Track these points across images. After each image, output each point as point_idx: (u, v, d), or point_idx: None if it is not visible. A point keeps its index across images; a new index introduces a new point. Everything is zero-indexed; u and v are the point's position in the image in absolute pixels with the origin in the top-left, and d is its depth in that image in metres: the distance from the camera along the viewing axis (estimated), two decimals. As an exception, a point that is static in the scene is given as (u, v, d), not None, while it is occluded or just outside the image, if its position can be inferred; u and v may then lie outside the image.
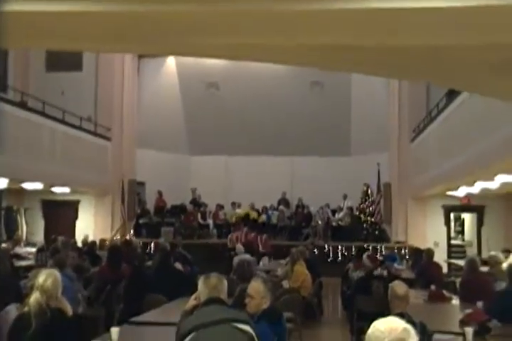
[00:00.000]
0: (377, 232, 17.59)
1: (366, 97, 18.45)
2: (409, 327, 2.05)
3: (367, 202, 18.20)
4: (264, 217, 18.67)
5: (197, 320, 3.39)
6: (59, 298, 3.98)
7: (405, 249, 15.31)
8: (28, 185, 13.71)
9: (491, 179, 9.86)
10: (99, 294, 7.71)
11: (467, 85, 4.59)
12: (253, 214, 18.56)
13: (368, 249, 11.47)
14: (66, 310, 4.00)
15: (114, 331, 4.43)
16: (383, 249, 15.22)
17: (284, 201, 19.63)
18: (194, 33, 3.71)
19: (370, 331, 2.06)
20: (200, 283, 3.63)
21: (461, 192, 12.36)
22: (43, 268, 6.90)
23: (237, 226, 17.45)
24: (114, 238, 15.88)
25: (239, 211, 18.84)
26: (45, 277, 3.94)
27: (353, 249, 15.48)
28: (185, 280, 8.44)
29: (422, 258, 9.75)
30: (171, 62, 19.27)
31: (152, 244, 16.11)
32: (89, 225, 16.84)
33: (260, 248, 15.38)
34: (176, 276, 8.15)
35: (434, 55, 3.52)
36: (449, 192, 13.29)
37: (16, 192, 15.76)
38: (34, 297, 3.86)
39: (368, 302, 7.05)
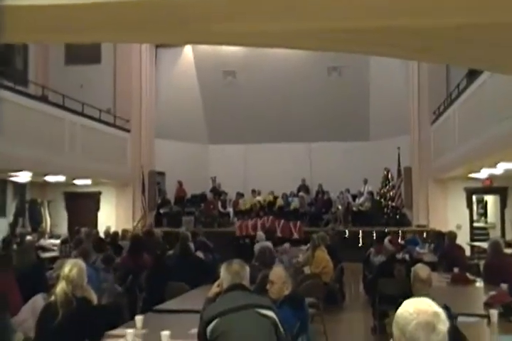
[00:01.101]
0: (398, 216, 17.52)
1: (384, 81, 18.30)
2: (440, 311, 1.99)
3: (387, 187, 18.12)
4: (281, 202, 18.66)
5: (220, 307, 3.43)
6: (84, 287, 4.04)
7: (427, 232, 15.23)
8: (50, 178, 13.90)
9: (514, 160, 9.75)
10: (121, 283, 7.80)
11: (491, 65, 4.52)
12: (279, 202, 18.55)
13: (389, 234, 11.40)
14: (91, 299, 4.07)
15: (139, 319, 4.51)
16: (405, 233, 15.17)
17: (303, 187, 19.61)
18: (212, 21, 3.71)
19: (399, 311, 2.01)
20: (223, 269, 3.66)
21: (484, 173, 12.25)
22: (67, 259, 7.03)
23: (249, 214, 17.60)
24: (136, 228, 16.02)
25: (259, 198, 18.87)
26: (71, 267, 4.01)
27: (374, 234, 15.44)
28: (207, 268, 8.52)
29: (444, 241, 9.71)
30: (188, 51, 19.27)
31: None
32: (111, 216, 17.02)
33: (295, 235, 15.62)
34: (197, 264, 8.20)
35: (456, 35, 3.47)
36: (471, 175, 13.17)
37: (39, 185, 15.99)
38: (60, 287, 3.92)
39: (390, 285, 7.05)
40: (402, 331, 1.97)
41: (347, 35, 3.66)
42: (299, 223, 16.44)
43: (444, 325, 1.98)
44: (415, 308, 1.98)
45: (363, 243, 15.99)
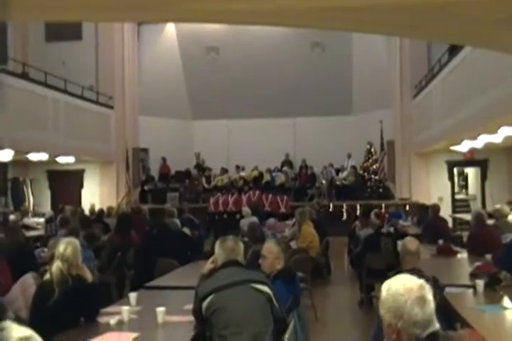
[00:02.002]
0: (381, 190, 17.70)
1: (367, 56, 18.28)
2: (422, 281, 2.05)
3: (370, 161, 18.25)
4: (268, 177, 18.69)
5: (215, 283, 3.47)
6: (79, 266, 4.07)
7: (410, 205, 15.43)
8: (33, 156, 13.75)
9: (495, 132, 9.86)
10: (110, 261, 7.83)
11: (473, 40, 4.56)
12: (266, 177, 18.56)
13: (374, 207, 11.53)
14: (86, 277, 4.09)
15: (133, 296, 4.55)
16: (388, 207, 15.35)
17: (287, 162, 19.67)
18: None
19: (386, 294, 2.03)
20: (217, 246, 3.69)
21: (465, 146, 12.38)
22: (57, 238, 7.03)
23: (226, 191, 17.66)
24: (121, 205, 16.00)
25: (243, 174, 18.89)
26: (65, 246, 4.02)
27: (358, 208, 15.61)
28: (194, 244, 8.57)
29: (427, 214, 9.84)
30: (170, 28, 19.04)
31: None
32: (95, 194, 16.96)
33: (282, 209, 15.77)
34: (183, 240, 8.21)
35: (439, 12, 3.48)
36: (453, 147, 13.31)
37: (21, 163, 15.84)
38: (56, 265, 3.94)
39: (377, 259, 7.17)
40: (397, 314, 2.00)
41: (334, 14, 3.65)
42: (285, 197, 16.56)
43: (430, 293, 2.04)
44: (404, 288, 2.01)
45: (347, 217, 16.15)
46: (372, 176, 17.92)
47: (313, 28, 5.17)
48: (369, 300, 7.43)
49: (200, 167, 19.28)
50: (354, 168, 18.25)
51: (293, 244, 8.88)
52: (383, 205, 15.32)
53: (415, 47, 16.14)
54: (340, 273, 10.71)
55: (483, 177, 15.89)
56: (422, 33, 4.37)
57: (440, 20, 3.51)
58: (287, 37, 17.99)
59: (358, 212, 15.02)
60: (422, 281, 2.06)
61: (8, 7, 3.38)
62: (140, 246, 8.00)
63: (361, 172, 18.29)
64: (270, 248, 4.37)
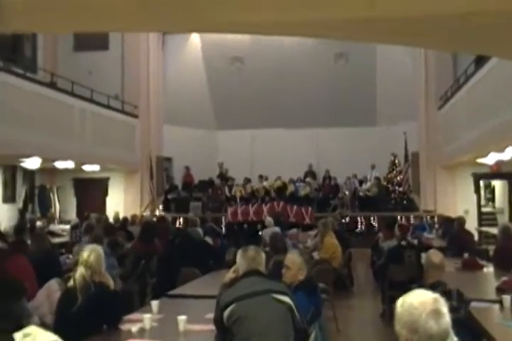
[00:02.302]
0: (405, 202, 17.55)
1: (392, 67, 18.22)
2: (437, 296, 2.03)
3: (394, 172, 18.13)
4: (293, 188, 18.66)
5: (237, 292, 3.47)
6: (102, 273, 4.10)
7: (434, 218, 15.26)
8: (59, 164, 13.95)
9: (522, 144, 9.74)
10: (133, 269, 7.87)
11: (499, 51, 4.51)
12: (291, 188, 18.54)
13: (398, 219, 11.44)
14: (109, 284, 4.13)
15: (155, 304, 4.57)
16: (412, 219, 15.20)
17: (310, 173, 19.64)
18: (220, 10, 3.71)
19: (401, 309, 2.01)
20: (239, 255, 3.69)
21: (491, 159, 12.22)
22: (81, 244, 7.11)
23: (246, 201, 17.66)
24: (144, 214, 16.12)
25: (265, 184, 18.90)
26: (89, 253, 4.06)
27: (382, 219, 15.49)
28: (216, 254, 8.58)
29: (452, 226, 9.73)
30: (195, 37, 19.21)
31: (181, 219, 16.33)
32: (119, 202, 17.10)
33: (307, 220, 15.71)
34: (206, 250, 8.23)
35: (463, 22, 3.46)
36: (479, 160, 13.15)
37: (48, 171, 16.07)
38: (79, 272, 3.98)
39: (400, 271, 7.10)
40: (411, 328, 1.98)
41: (352, 25, 3.66)
42: (310, 209, 16.48)
43: (445, 307, 2.02)
44: (418, 301, 2.00)
45: (370, 228, 16.03)
46: (397, 188, 17.79)
47: (340, 40, 5.18)
48: (391, 312, 7.32)
49: (224, 176, 19.35)
50: (378, 179, 18.14)
51: (315, 255, 8.85)
52: (407, 217, 15.18)
53: (440, 58, 16.03)
54: (363, 285, 10.62)
55: (511, 189, 15.65)
56: (441, 44, 4.35)
57: (461, 30, 3.49)
58: (311, 47, 18.03)
59: (382, 224, 14.89)
60: (436, 295, 2.04)
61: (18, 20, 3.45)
62: (163, 254, 8.04)
63: (385, 183, 18.17)
64: (294, 259, 4.37)
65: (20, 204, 15.20)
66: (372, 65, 18.69)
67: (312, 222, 15.56)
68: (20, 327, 2.23)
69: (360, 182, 18.60)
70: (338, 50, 18.39)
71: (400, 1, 3.20)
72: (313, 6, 3.41)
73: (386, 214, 15.90)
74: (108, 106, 15.57)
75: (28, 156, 12.50)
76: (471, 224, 13.36)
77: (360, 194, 18.03)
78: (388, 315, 7.44)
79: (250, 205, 16.89)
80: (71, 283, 4.04)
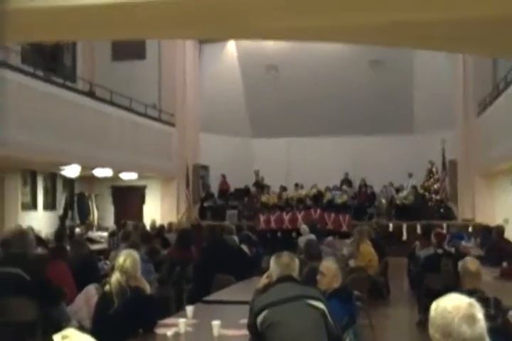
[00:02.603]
0: (442, 210, 17.30)
1: (429, 73, 18.04)
2: (472, 301, 2.00)
3: (431, 180, 17.90)
4: (330, 196, 18.61)
5: (270, 298, 3.49)
6: (138, 278, 4.16)
7: (473, 226, 15.00)
8: (98, 172, 14.22)
9: None
10: (169, 275, 7.97)
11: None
12: (328, 195, 18.51)
13: (435, 227, 11.27)
14: (145, 289, 4.19)
15: (189, 309, 4.62)
16: (450, 227, 14.97)
17: (346, 181, 19.54)
18: (253, 17, 3.76)
19: (434, 313, 2.00)
20: (272, 261, 3.72)
21: (532, 167, 12.00)
22: (118, 250, 7.22)
23: (280, 208, 17.65)
24: (181, 221, 16.25)
25: (302, 192, 18.89)
26: (125, 257, 4.13)
27: (419, 228, 15.29)
28: (251, 261, 8.61)
29: (491, 235, 9.57)
30: (231, 46, 19.36)
31: (217, 227, 16.40)
32: (156, 209, 17.28)
33: (344, 228, 15.65)
34: (241, 257, 8.27)
35: (500, 26, 3.44)
36: (519, 168, 12.92)
37: (87, 179, 16.37)
38: (115, 276, 4.05)
39: (437, 280, 7.01)
40: (445, 332, 1.96)
41: (390, 30, 3.66)
42: (347, 216, 16.41)
43: (480, 312, 1.98)
44: (451, 305, 1.97)
45: (407, 237, 15.85)
46: (434, 196, 17.56)
47: (376, 45, 5.18)
48: (427, 321, 7.25)
49: (259, 184, 19.39)
50: (415, 187, 17.93)
51: (351, 263, 8.80)
52: (444, 226, 14.96)
53: (479, 64, 15.75)
54: (399, 293, 10.50)
55: (552, 198, 15.29)
56: (480, 49, 4.32)
57: (500, 35, 3.47)
58: (347, 54, 17.98)
59: (418, 232, 14.71)
60: (471, 300, 2.02)
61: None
62: (198, 261, 8.11)
63: (422, 191, 17.95)
64: (329, 265, 4.37)
65: (60, 211, 15.50)
66: (409, 71, 18.54)
67: (349, 229, 15.51)
68: (59, 330, 2.29)
69: (397, 191, 18.42)
70: (375, 57, 18.28)
71: (437, 5, 3.20)
72: (349, 10, 3.43)
73: (423, 222, 15.69)
74: (145, 115, 15.80)
75: (67, 164, 12.78)
76: (511, 233, 13.10)
77: (397, 202, 17.85)
78: (425, 323, 7.32)
79: (284, 213, 16.88)
80: (107, 287, 4.12)
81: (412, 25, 3.56)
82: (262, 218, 16.61)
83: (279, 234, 16.30)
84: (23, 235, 5.46)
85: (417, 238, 11.91)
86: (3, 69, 9.95)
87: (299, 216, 16.29)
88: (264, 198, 18.54)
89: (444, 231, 13.49)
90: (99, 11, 3.59)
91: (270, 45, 18.03)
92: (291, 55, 18.39)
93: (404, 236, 15.99)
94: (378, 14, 3.48)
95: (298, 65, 18.67)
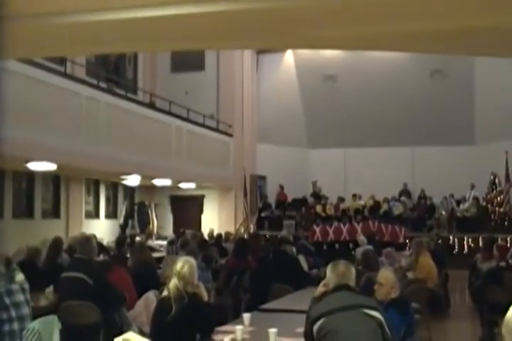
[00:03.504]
0: (506, 223, 16.80)
1: (491, 83, 17.60)
2: None
3: (494, 192, 17.43)
4: (386, 207, 18.41)
5: (326, 306, 3.50)
6: (195, 284, 4.23)
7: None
8: (158, 182, 14.51)
9: None
10: (227, 284, 8.05)
11: None
12: (384, 207, 18.33)
13: (497, 240, 10.98)
14: (203, 295, 4.26)
15: (246, 317, 4.67)
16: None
17: (405, 192, 19.26)
18: (321, 26, 3.81)
19: (510, 313, 1.96)
20: (329, 270, 3.72)
21: None
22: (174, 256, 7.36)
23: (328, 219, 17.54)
24: (238, 231, 16.37)
25: (360, 202, 18.74)
26: (182, 264, 4.21)
27: (480, 240, 14.92)
28: (308, 271, 8.61)
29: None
30: (288, 56, 19.46)
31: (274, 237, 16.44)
32: (214, 219, 17.47)
33: (401, 239, 15.52)
34: (297, 267, 8.27)
35: None
36: None
37: (147, 188, 16.74)
38: (173, 282, 4.13)
39: (500, 293, 6.83)
40: None
41: (453, 37, 3.63)
42: (403, 228, 16.23)
43: None
44: None
45: (468, 249, 15.49)
46: (497, 208, 17.08)
47: (435, 53, 5.15)
48: (491, 337, 7.06)
49: (317, 195, 19.34)
50: (477, 199, 17.50)
51: (409, 275, 8.67)
52: (508, 239, 14.52)
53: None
54: (460, 307, 10.26)
55: None
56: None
57: None
58: (406, 64, 17.79)
59: (480, 245, 14.35)
60: None
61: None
62: (255, 270, 8.17)
63: (484, 203, 17.50)
64: (387, 276, 4.34)
65: (121, 220, 15.89)
66: (471, 80, 18.16)
67: (405, 241, 15.35)
68: (120, 333, 2.38)
69: (458, 202, 18.02)
70: (435, 66, 18.01)
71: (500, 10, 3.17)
72: (408, 18, 3.44)
73: (485, 235, 15.29)
74: (203, 125, 16.04)
75: (128, 174, 13.11)
76: None
77: (458, 214, 17.46)
78: (488, 339, 7.15)
79: (342, 224, 16.77)
80: (165, 293, 4.21)
81: (474, 33, 3.52)
82: (317, 229, 16.54)
83: (336, 245, 16.19)
84: (88, 242, 5.66)
85: (478, 250, 11.63)
86: (69, 81, 10.34)
87: (358, 227, 16.15)
88: (318, 209, 18.48)
89: (508, 244, 13.12)
90: (154, 22, 3.72)
91: (328, 54, 18.04)
92: (349, 64, 18.33)
93: (466, 249, 15.62)
94: (440, 21, 3.46)
95: (356, 74, 18.58)
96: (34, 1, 3.51)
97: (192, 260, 4.36)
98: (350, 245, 14.75)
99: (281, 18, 3.72)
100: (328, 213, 18.34)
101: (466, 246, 15.71)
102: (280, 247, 8.95)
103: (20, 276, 4.87)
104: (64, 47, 4.75)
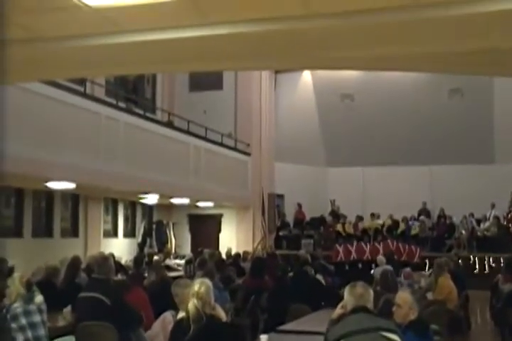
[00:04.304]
0: (528, 242, 16.56)
1: (511, 101, 17.51)
2: None
3: (515, 211, 17.23)
4: (403, 227, 18.31)
5: (344, 328, 3.46)
6: (212, 305, 4.21)
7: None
8: (176, 200, 14.55)
9: None
10: (244, 304, 8.00)
11: None
12: (402, 226, 18.23)
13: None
14: (221, 316, 4.24)
15: (264, 338, 4.64)
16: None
17: (424, 211, 19.10)
18: (331, 47, 3.84)
19: None
20: (347, 292, 3.70)
21: None
22: (191, 278, 7.34)
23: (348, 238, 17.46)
24: (256, 250, 16.30)
25: (379, 221, 18.62)
26: (199, 285, 4.21)
27: (502, 261, 14.70)
28: (326, 291, 8.52)
29: None
30: (306, 75, 19.55)
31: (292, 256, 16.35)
32: (232, 238, 17.42)
33: (416, 259, 15.49)
34: (315, 287, 8.21)
35: None
36: None
37: (165, 207, 16.79)
38: (192, 303, 4.12)
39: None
40: None
41: (469, 58, 3.63)
42: (418, 248, 16.11)
43: None
44: None
45: (489, 270, 15.27)
46: (519, 228, 16.86)
47: (451, 73, 5.15)
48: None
49: (335, 214, 19.25)
50: (497, 218, 17.29)
51: (429, 295, 8.56)
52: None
53: None
54: (481, 328, 10.09)
55: None
56: None
57: None
58: (423, 83, 17.79)
59: (502, 265, 14.13)
60: None
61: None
62: (273, 290, 8.12)
63: (505, 223, 17.27)
64: (405, 297, 4.28)
65: (139, 238, 15.91)
66: (490, 99, 18.07)
67: (420, 261, 15.27)
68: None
69: (478, 222, 17.82)
70: (453, 86, 17.97)
71: None
72: (427, 40, 3.45)
73: (506, 255, 15.06)
74: (221, 144, 16.10)
75: (147, 193, 13.16)
76: None
77: (478, 233, 17.26)
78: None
79: (363, 243, 16.66)
80: (183, 314, 4.19)
81: (490, 53, 3.53)
82: (340, 249, 16.40)
83: (360, 265, 16.06)
84: (105, 261, 5.67)
85: (500, 271, 11.46)
86: (89, 101, 10.47)
87: (380, 247, 16.00)
88: (338, 227, 18.40)
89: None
90: (169, 44, 3.77)
91: (345, 74, 18.09)
92: (367, 83, 18.37)
93: (487, 269, 15.40)
94: (457, 43, 3.47)
95: (373, 93, 18.61)
96: (56, 24, 3.58)
97: (207, 281, 4.36)
98: (373, 265, 14.61)
99: (295, 40, 3.76)
100: (348, 232, 18.23)
101: (487, 266, 15.49)
102: (301, 267, 8.90)
103: (39, 298, 4.91)
104: (81, 69, 4.82)
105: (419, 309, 4.42)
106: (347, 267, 16.05)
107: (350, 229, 18.31)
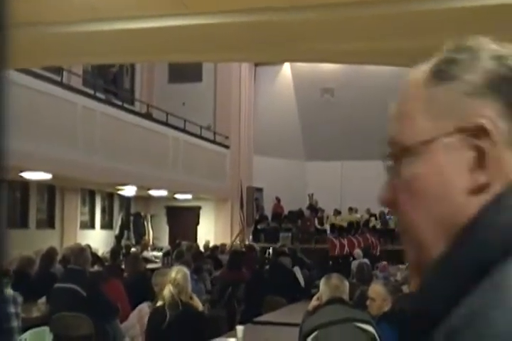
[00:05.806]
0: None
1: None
2: None
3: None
4: (374, 222, 18.50)
5: (319, 319, 3.49)
6: (189, 293, 4.22)
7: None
8: (154, 192, 14.48)
9: None
10: (221, 296, 8.01)
11: None
12: (373, 222, 18.36)
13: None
14: (197, 305, 4.24)
15: (240, 329, 4.64)
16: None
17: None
18: (321, 40, 3.84)
19: None
20: (322, 283, 3.72)
21: None
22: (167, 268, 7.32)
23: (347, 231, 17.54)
24: (234, 243, 16.30)
25: (357, 216, 18.73)
26: (176, 271, 4.21)
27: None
28: (299, 284, 8.59)
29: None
30: (286, 69, 19.53)
31: (270, 249, 16.37)
32: (210, 230, 17.41)
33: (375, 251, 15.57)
34: (291, 280, 8.27)
35: None
36: None
37: (143, 199, 16.69)
38: (167, 290, 4.12)
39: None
40: None
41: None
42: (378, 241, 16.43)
43: None
44: None
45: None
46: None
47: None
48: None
49: (313, 208, 19.32)
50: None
51: (405, 288, 8.63)
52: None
53: None
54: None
55: None
56: None
57: None
58: (404, 78, 17.88)
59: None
60: None
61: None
62: (250, 282, 8.14)
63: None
64: (378, 290, 4.30)
65: (116, 230, 15.81)
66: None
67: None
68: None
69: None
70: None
71: None
72: (408, 35, 3.46)
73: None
74: (200, 137, 16.04)
75: (124, 184, 13.08)
76: None
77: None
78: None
79: (353, 237, 16.73)
80: (160, 303, 4.19)
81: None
82: (336, 243, 16.38)
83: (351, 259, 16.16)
84: (82, 252, 5.63)
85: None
86: (65, 91, 10.35)
87: (355, 241, 16.08)
88: (328, 221, 18.52)
89: None
90: (150, 34, 3.74)
91: (325, 68, 18.10)
92: (347, 77, 18.41)
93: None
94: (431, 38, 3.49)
95: (353, 87, 18.66)
96: (36, 11, 3.53)
97: (185, 269, 4.36)
98: (351, 258, 14.65)
99: (276, 32, 3.75)
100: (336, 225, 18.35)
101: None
102: (277, 259, 8.93)
103: (9, 291, 4.84)
104: (61, 57, 4.77)
105: (393, 300, 4.45)
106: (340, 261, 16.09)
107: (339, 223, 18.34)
